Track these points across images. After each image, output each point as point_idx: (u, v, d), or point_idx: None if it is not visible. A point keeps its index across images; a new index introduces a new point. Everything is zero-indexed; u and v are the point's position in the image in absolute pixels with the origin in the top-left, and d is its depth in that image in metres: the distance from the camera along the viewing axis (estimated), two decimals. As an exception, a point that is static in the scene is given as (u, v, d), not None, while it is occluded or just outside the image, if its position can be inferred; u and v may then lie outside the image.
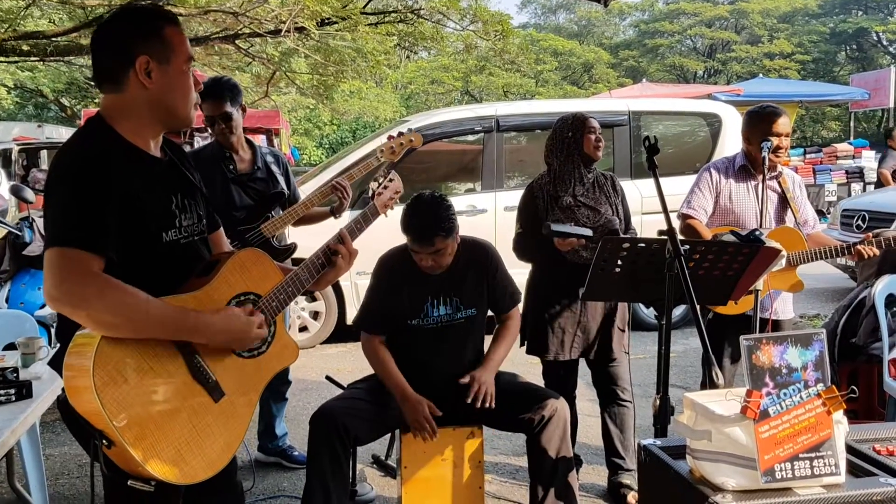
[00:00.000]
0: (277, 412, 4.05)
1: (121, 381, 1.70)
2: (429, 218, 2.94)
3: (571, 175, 3.41)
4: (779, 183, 3.51)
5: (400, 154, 3.71)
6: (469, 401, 2.97)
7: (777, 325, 3.49)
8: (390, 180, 3.04)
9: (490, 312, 3.27)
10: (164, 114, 1.89)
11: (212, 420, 1.87)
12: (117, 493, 1.82)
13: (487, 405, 2.99)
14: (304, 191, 6.32)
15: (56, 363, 1.84)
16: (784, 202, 3.50)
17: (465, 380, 3.01)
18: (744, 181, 3.53)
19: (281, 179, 3.82)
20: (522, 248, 3.46)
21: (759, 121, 3.45)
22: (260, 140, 13.49)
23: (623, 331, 3.48)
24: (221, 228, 2.24)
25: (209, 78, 3.72)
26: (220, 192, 3.60)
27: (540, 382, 3.33)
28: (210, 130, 3.68)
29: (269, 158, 3.82)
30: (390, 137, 3.71)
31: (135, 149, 1.87)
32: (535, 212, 3.44)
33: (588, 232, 3.25)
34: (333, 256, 2.22)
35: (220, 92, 3.59)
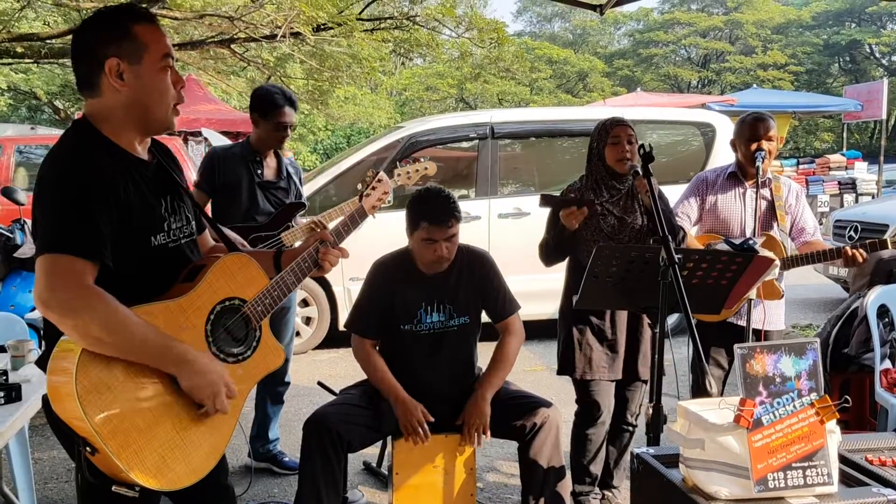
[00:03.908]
0: (273, 414, 4.04)
1: (104, 389, 1.68)
2: (441, 202, 2.98)
3: (599, 184, 3.27)
4: (770, 191, 3.52)
5: (415, 179, 3.74)
6: (461, 444, 3.00)
7: (767, 336, 3.49)
8: (378, 181, 3.04)
9: (488, 320, 3.25)
10: (141, 115, 1.84)
11: (197, 425, 1.85)
12: (98, 498, 1.80)
13: (480, 442, 3.01)
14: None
15: (43, 363, 1.82)
16: (772, 210, 3.50)
17: (459, 422, 3.02)
18: (732, 188, 3.55)
19: (299, 190, 3.91)
20: (547, 253, 3.32)
21: (742, 127, 3.49)
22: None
23: (649, 352, 3.33)
24: (206, 231, 2.22)
25: (285, 89, 3.81)
26: (247, 194, 3.68)
27: (533, 390, 3.31)
28: (273, 133, 3.72)
29: (291, 169, 3.90)
30: (406, 162, 3.70)
31: (122, 151, 1.84)
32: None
33: (579, 198, 3.09)
34: (321, 261, 2.21)
35: (295, 104, 3.76)
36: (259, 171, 3.74)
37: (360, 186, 3.02)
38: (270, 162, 3.82)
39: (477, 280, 3.15)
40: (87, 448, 1.69)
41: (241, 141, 4.02)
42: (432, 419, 2.99)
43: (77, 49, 1.84)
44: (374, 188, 3.01)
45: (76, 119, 1.90)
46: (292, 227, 3.75)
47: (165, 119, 1.89)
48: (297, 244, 3.69)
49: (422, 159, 3.79)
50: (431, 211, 2.97)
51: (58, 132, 9.37)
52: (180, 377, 1.80)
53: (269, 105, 3.66)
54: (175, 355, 1.78)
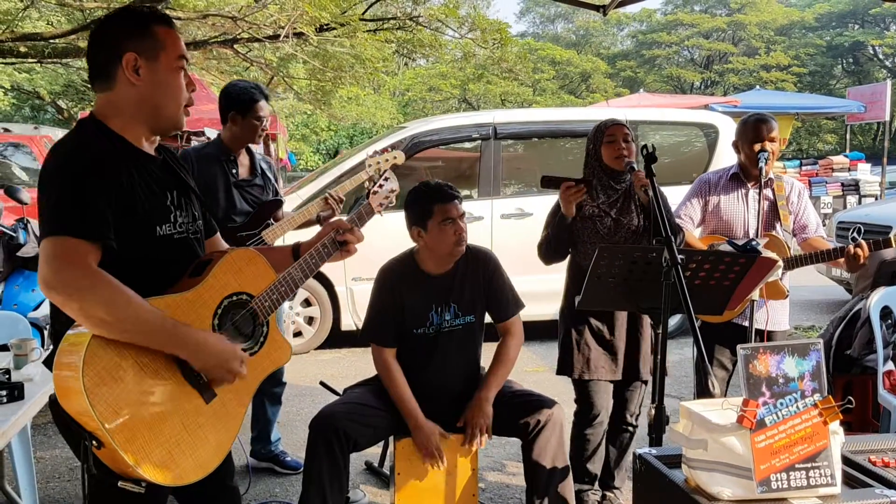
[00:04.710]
0: (273, 416, 4.03)
1: (111, 382, 1.68)
2: (441, 184, 3.06)
3: (596, 185, 3.28)
4: (772, 190, 3.51)
5: (385, 168, 3.79)
6: (464, 444, 3.01)
7: (771, 336, 3.49)
8: (385, 179, 3.05)
9: (490, 320, 3.24)
10: (152, 113, 1.89)
11: (203, 421, 1.85)
12: (105, 494, 1.80)
13: (481, 443, 3.02)
14: (301, 195, 6.35)
15: (50, 363, 1.83)
16: (775, 209, 3.50)
17: (461, 424, 3.02)
18: (734, 189, 3.55)
19: (275, 187, 3.88)
20: (546, 251, 3.35)
21: (745, 128, 3.49)
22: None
23: (649, 352, 3.33)
24: (218, 234, 2.23)
25: (252, 83, 3.80)
26: (224, 195, 3.64)
27: (535, 389, 3.31)
28: (253, 130, 3.68)
29: (264, 165, 3.87)
30: (375, 153, 3.77)
31: (129, 145, 1.87)
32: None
33: (581, 179, 3.14)
34: (342, 246, 2.23)
35: (269, 97, 3.75)
36: (234, 171, 3.69)
37: (368, 184, 3.03)
38: (244, 160, 3.77)
39: (483, 279, 3.15)
40: (94, 442, 1.69)
41: (211, 140, 3.94)
42: (449, 437, 3.00)
43: (97, 40, 1.89)
44: (381, 186, 3.01)
45: (81, 118, 1.92)
46: (272, 224, 3.73)
47: (175, 117, 1.93)
48: (279, 242, 3.70)
49: (390, 149, 3.86)
50: (438, 193, 3.03)
51: (62, 132, 9.44)
52: (191, 358, 1.81)
53: (249, 101, 3.62)
54: (182, 336, 1.79)
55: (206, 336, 1.84)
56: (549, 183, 3.15)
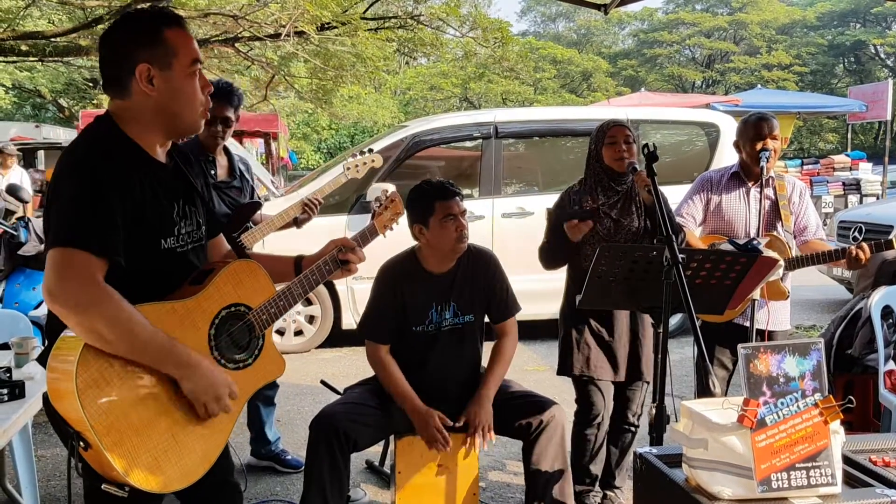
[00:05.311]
0: (267, 417, 4.01)
1: (103, 385, 1.68)
2: (443, 182, 3.08)
3: (597, 186, 3.29)
4: (773, 189, 3.51)
5: (364, 172, 3.76)
6: (466, 445, 2.99)
7: (772, 336, 3.48)
8: (391, 201, 3.03)
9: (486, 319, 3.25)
10: (170, 121, 1.86)
11: (191, 430, 1.85)
12: (96, 495, 1.80)
13: (486, 443, 3.00)
14: (301, 194, 6.34)
15: (44, 360, 1.82)
16: (776, 209, 3.50)
17: (460, 423, 3.00)
18: (735, 188, 3.54)
19: (253, 188, 3.83)
20: (547, 258, 3.36)
21: (746, 127, 3.49)
22: (258, 143, 13.49)
23: (651, 353, 3.34)
24: (221, 236, 2.22)
25: (221, 80, 3.69)
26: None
27: (535, 390, 3.31)
28: (205, 128, 3.58)
29: (242, 167, 3.79)
30: (353, 156, 3.76)
31: (143, 153, 1.85)
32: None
33: (583, 210, 3.16)
34: (343, 265, 2.23)
35: (230, 96, 3.56)
36: (213, 172, 3.60)
37: (374, 204, 3.02)
38: (222, 161, 3.68)
39: (483, 279, 3.16)
40: (81, 443, 1.69)
41: (188, 139, 3.90)
42: (451, 423, 2.99)
43: (107, 50, 1.84)
44: (386, 207, 3.00)
45: (99, 115, 1.89)
46: (250, 227, 3.67)
47: (194, 123, 1.91)
48: (257, 246, 3.67)
49: (367, 151, 3.84)
50: (439, 190, 3.03)
51: (63, 130, 9.41)
52: (182, 380, 1.80)
53: None
54: (177, 358, 1.78)
55: (201, 360, 1.83)
56: (557, 217, 3.16)
